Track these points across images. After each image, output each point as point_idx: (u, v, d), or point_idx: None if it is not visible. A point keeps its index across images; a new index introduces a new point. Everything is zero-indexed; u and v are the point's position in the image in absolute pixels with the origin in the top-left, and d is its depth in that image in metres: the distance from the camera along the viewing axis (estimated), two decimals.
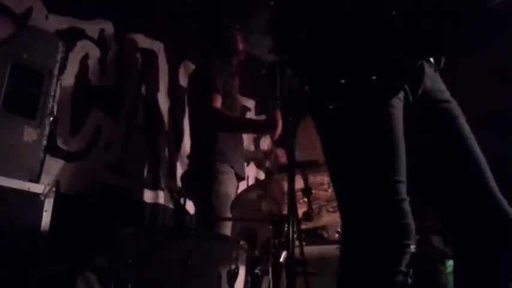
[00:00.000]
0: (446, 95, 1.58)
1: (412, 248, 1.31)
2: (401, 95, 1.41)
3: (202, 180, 2.96)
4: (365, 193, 1.34)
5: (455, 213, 1.47)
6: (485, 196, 1.43)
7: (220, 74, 3.14)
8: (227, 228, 2.84)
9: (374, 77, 1.31)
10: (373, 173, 1.34)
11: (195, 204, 3.15)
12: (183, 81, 4.36)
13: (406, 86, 1.43)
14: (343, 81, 1.35)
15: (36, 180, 2.62)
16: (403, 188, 1.33)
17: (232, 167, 3.02)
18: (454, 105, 1.57)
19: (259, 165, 4.88)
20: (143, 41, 4.07)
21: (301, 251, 1.93)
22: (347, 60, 1.38)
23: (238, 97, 3.38)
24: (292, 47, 1.57)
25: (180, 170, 4.12)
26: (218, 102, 3.02)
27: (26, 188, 2.47)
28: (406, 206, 1.31)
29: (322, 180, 2.34)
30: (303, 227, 2.62)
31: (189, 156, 3.26)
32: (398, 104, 1.39)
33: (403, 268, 1.29)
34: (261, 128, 3.35)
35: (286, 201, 2.22)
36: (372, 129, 1.36)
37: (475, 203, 1.43)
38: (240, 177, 3.14)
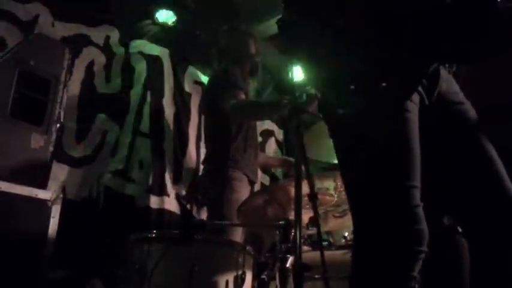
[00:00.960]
0: (460, 96, 1.57)
1: (425, 253, 1.30)
2: (416, 99, 1.41)
3: (215, 186, 2.96)
4: (379, 198, 1.33)
5: (472, 213, 1.46)
6: (501, 195, 1.42)
7: (239, 77, 3.14)
8: (237, 234, 2.84)
9: (384, 84, 1.31)
10: (387, 178, 1.33)
11: (208, 210, 3.15)
12: (188, 87, 4.38)
13: (421, 90, 1.43)
14: (352, 86, 1.34)
15: (43, 186, 2.63)
16: (417, 194, 1.32)
17: (245, 174, 3.02)
18: (468, 107, 1.56)
19: (264, 170, 4.87)
20: (148, 47, 4.09)
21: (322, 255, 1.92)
22: (358, 64, 1.37)
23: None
24: (302, 51, 1.56)
25: (185, 176, 4.12)
26: (242, 97, 3.04)
27: (33, 195, 2.48)
28: (420, 211, 1.30)
29: (328, 186, 2.34)
30: (309, 232, 2.62)
31: (203, 162, 3.26)
32: (413, 108, 1.38)
33: (415, 274, 1.28)
34: (281, 107, 3.27)
35: (292, 206, 2.22)
36: (388, 134, 1.35)
37: (492, 202, 1.42)
38: (253, 183, 3.14)
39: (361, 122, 1.37)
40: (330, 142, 2.24)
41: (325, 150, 2.58)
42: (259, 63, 3.37)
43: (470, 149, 1.48)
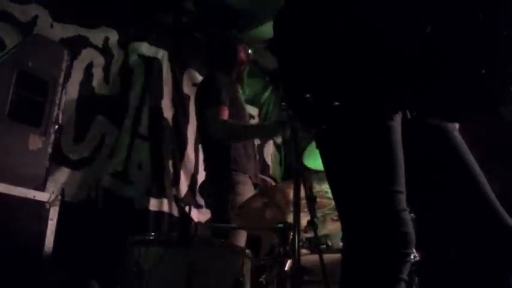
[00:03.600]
0: None
1: (413, 256, 1.32)
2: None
3: (219, 191, 2.95)
4: (365, 203, 1.35)
5: (455, 225, 1.48)
6: (485, 208, 1.43)
7: (226, 84, 3.13)
8: (241, 239, 2.83)
9: (337, 103, 1.34)
10: (372, 183, 1.36)
11: (212, 215, 3.14)
12: (187, 89, 4.38)
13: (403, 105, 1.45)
14: (307, 95, 1.37)
15: (41, 188, 2.62)
16: (402, 198, 1.34)
17: (249, 176, 3.02)
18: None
19: (262, 173, 4.87)
20: (147, 49, 4.09)
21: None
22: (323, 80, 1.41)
23: (244, 105, 3.36)
24: (285, 63, 1.59)
25: (183, 178, 4.12)
26: (225, 114, 3.01)
27: (31, 196, 2.48)
28: (406, 215, 1.33)
29: (326, 189, 2.34)
30: (307, 235, 2.62)
31: (205, 168, 3.25)
32: (396, 117, 1.41)
33: (404, 276, 1.30)
34: (269, 131, 3.36)
35: (291, 209, 2.22)
36: (370, 141, 1.38)
37: (476, 214, 1.44)
38: (256, 185, 3.13)
39: (345, 131, 1.40)
40: None
41: None
42: (246, 70, 3.39)
43: (453, 162, 1.51)
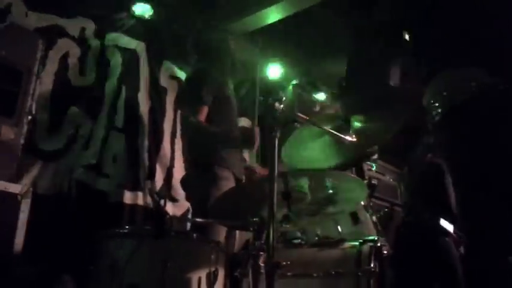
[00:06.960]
0: None
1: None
2: None
3: (202, 185, 2.94)
4: None
5: None
6: None
7: (213, 80, 3.11)
8: (221, 234, 2.83)
9: None
10: None
11: (193, 209, 3.12)
12: (164, 81, 4.35)
13: None
14: None
15: (13, 180, 2.58)
16: None
17: (232, 172, 3.01)
18: None
19: None
20: (124, 40, 4.05)
21: None
22: None
23: (234, 104, 3.33)
24: None
25: (159, 171, 4.10)
26: (202, 115, 2.99)
27: (2, 188, 2.44)
28: None
29: (303, 184, 2.35)
30: (282, 229, 2.63)
31: (185, 161, 3.23)
32: None
33: None
34: (240, 144, 3.26)
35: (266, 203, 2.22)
36: None
37: None
38: (239, 180, 3.13)
39: None
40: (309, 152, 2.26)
41: (306, 158, 2.57)
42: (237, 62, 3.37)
43: None
